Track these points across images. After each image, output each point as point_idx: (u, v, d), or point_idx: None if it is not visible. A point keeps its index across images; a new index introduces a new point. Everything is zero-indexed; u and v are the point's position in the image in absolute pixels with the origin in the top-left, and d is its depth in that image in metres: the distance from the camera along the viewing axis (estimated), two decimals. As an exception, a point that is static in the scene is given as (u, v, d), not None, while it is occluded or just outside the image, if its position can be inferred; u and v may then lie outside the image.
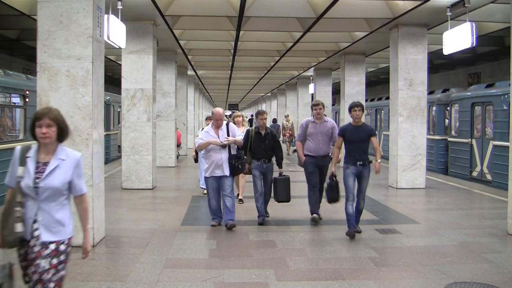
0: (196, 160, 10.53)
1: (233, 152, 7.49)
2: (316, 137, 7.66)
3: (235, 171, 7.48)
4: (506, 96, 11.75)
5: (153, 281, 5.14)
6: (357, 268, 5.60)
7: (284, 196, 7.81)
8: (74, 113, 6.25)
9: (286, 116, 24.56)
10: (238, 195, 9.55)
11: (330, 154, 7.74)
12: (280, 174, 7.81)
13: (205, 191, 8.93)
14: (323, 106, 7.87)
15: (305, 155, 7.73)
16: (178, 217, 8.31)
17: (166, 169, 15.29)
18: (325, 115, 8.20)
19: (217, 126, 7.43)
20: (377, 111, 21.27)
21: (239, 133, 7.63)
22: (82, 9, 6.23)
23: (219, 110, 7.50)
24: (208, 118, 10.30)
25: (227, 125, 7.53)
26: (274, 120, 27.40)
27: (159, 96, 14.86)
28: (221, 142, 7.28)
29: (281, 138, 26.70)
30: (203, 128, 10.03)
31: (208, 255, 6.12)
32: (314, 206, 7.83)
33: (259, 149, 7.71)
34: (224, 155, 7.34)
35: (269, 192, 7.92)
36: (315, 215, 7.80)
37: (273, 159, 8.03)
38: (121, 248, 6.53)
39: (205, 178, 7.54)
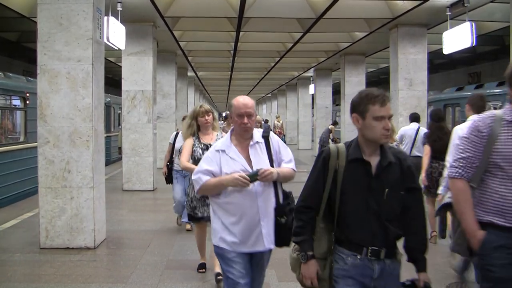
0: (168, 180, 7.37)
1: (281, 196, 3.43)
2: None
3: (286, 238, 3.24)
4: None
5: (154, 282, 5.15)
6: (358, 268, 5.56)
7: None
8: (74, 115, 6.26)
9: (277, 117, 25.40)
10: (217, 274, 4.98)
11: None
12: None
13: (188, 225, 7.29)
14: None
15: (483, 224, 2.74)
16: (179, 218, 8.30)
17: (166, 171, 15.28)
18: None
19: (244, 136, 3.38)
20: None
21: (288, 156, 3.50)
22: (82, 11, 6.24)
23: (245, 99, 3.40)
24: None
25: (266, 136, 3.44)
26: (266, 121, 27.37)
27: (159, 98, 14.87)
28: (252, 175, 3.20)
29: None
30: (177, 134, 7.22)
31: (209, 256, 6.11)
32: None
33: (359, 214, 2.64)
34: (264, 202, 3.30)
35: None
36: None
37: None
38: (122, 249, 6.53)
39: (217, 254, 3.41)
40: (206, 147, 4.81)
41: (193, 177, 3.44)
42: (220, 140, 3.57)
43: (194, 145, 4.95)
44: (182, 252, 6.33)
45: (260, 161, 3.34)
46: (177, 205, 7.30)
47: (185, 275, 5.44)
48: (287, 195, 3.44)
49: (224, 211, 3.33)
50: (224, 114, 26.58)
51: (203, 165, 3.39)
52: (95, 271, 5.56)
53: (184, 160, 4.93)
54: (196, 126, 5.08)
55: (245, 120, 3.31)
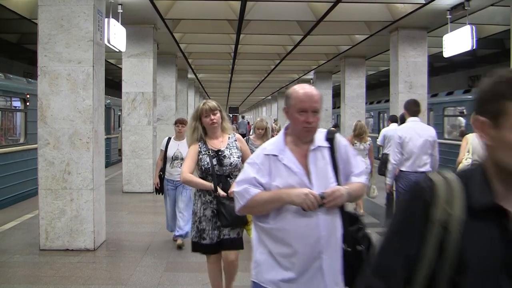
0: (159, 191, 6.69)
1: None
2: None
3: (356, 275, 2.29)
4: (441, 103, 14.82)
5: (154, 284, 5.14)
6: (358, 271, 5.56)
7: None
8: (74, 117, 6.27)
9: (275, 120, 26.74)
10: None
11: None
12: None
13: (179, 241, 6.45)
14: None
15: None
16: (178, 220, 8.29)
17: (166, 173, 15.27)
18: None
19: (304, 138, 2.51)
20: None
21: (359, 167, 2.64)
22: (83, 13, 6.26)
23: (309, 90, 2.51)
24: (179, 122, 6.61)
25: (331, 139, 2.56)
26: (276, 121, 27.86)
27: (159, 100, 14.87)
28: (320, 197, 2.35)
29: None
30: (169, 140, 6.55)
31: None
32: None
33: None
34: (327, 228, 2.41)
35: None
36: None
37: None
38: (122, 251, 6.53)
39: None
40: (216, 154, 3.97)
41: (236, 188, 2.52)
42: (270, 141, 2.63)
43: (200, 152, 4.00)
44: (181, 254, 6.32)
45: (322, 173, 2.47)
46: (168, 220, 6.75)
47: (184, 277, 5.44)
48: (356, 219, 2.57)
49: (273, 239, 2.45)
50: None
51: (249, 172, 2.49)
52: (94, 273, 5.56)
53: (185, 170, 3.95)
54: (202, 129, 4.07)
55: (310, 118, 2.44)
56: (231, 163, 3.97)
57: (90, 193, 6.35)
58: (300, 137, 2.51)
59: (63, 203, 6.31)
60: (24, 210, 8.88)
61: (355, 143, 8.44)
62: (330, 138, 2.55)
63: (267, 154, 2.49)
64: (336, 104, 28.34)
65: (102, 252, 6.40)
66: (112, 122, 18.32)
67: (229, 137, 4.13)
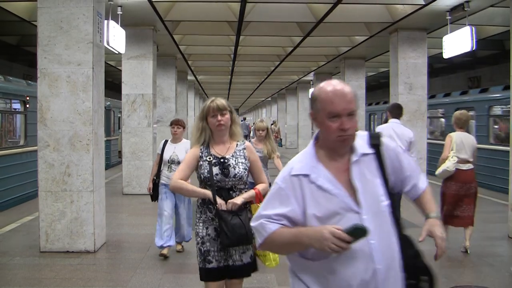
0: (154, 197, 6.26)
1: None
2: None
3: None
4: None
5: (154, 286, 5.15)
6: (358, 272, 5.55)
7: None
8: (74, 119, 6.27)
9: (274, 122, 27.99)
10: None
11: None
12: None
13: (164, 251, 6.03)
14: None
15: None
16: (179, 222, 8.29)
17: (166, 174, 15.25)
18: None
19: (341, 149, 2.02)
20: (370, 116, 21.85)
21: (415, 169, 2.27)
22: (82, 14, 6.26)
23: (339, 87, 1.97)
24: (175, 123, 6.19)
25: (377, 144, 2.07)
26: (274, 122, 27.88)
27: (159, 101, 14.87)
28: (358, 231, 1.83)
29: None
30: (165, 143, 6.16)
31: None
32: None
33: None
34: (384, 260, 1.95)
35: None
36: None
37: None
38: (122, 253, 6.53)
39: None
40: (219, 161, 3.39)
41: (252, 223, 2.07)
42: (298, 157, 2.08)
43: (200, 157, 3.42)
44: (182, 255, 6.32)
45: (370, 190, 1.98)
46: (161, 225, 5.98)
47: (184, 279, 5.44)
48: (408, 241, 2.09)
49: (314, 277, 1.99)
50: None
51: (269, 203, 2.03)
52: (95, 274, 5.56)
53: (176, 175, 3.43)
54: (210, 131, 3.50)
55: (345, 123, 1.93)
56: (236, 174, 3.35)
57: (90, 195, 6.35)
58: (335, 148, 2.00)
59: (63, 205, 6.31)
60: (24, 212, 8.87)
61: None
62: (375, 144, 2.05)
63: (296, 175, 1.98)
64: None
65: (102, 254, 6.40)
66: (112, 124, 18.33)
67: (237, 144, 3.51)
